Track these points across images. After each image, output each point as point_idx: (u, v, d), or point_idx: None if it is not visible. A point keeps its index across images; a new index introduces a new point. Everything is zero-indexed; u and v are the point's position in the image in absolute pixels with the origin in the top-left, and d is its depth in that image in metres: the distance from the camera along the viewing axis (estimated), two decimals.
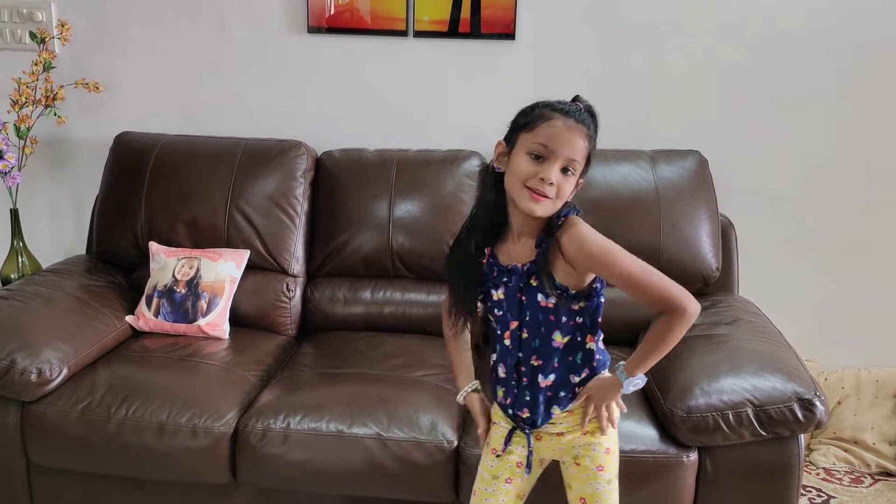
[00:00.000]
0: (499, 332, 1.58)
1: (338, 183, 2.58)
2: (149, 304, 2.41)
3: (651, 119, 2.68)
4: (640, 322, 2.34)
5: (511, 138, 1.50)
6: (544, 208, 1.46)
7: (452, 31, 2.68)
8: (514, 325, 1.55)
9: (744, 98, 2.66)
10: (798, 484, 1.93)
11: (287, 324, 2.54)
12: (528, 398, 1.57)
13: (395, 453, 1.93)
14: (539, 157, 1.45)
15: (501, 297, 1.56)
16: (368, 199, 2.53)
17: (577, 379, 1.56)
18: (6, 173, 2.63)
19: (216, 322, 2.39)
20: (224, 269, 2.45)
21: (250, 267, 2.51)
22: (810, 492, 2.51)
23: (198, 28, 2.79)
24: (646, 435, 1.93)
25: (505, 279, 1.54)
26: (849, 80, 2.62)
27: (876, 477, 2.62)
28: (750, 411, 1.87)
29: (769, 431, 1.87)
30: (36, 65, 2.66)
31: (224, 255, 2.47)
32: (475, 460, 1.73)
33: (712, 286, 2.49)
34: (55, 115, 2.70)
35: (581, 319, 1.53)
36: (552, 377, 1.55)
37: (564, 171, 1.46)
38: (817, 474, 2.62)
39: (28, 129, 2.67)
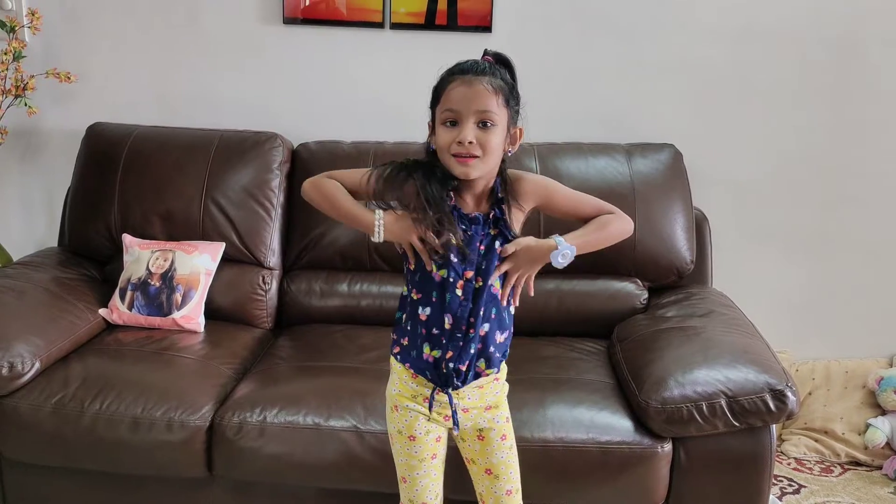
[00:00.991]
0: (451, 281, 1.54)
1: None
2: (122, 297, 2.39)
3: (626, 113, 2.70)
4: (615, 316, 2.38)
5: (432, 116, 1.55)
6: (476, 169, 1.49)
7: (429, 23, 2.67)
8: (468, 274, 1.55)
9: (717, 92, 2.69)
10: (770, 473, 1.96)
11: (263, 317, 2.53)
12: (472, 350, 1.56)
13: (373, 446, 1.93)
14: (454, 123, 1.49)
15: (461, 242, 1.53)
16: None
17: (500, 338, 1.59)
18: None
19: (191, 315, 2.38)
20: (199, 262, 2.43)
21: (226, 259, 2.49)
22: (781, 481, 2.54)
23: (172, 17, 2.75)
24: (620, 426, 1.94)
25: (464, 227, 1.54)
26: (818, 74, 2.65)
27: (845, 466, 2.66)
28: (723, 402, 1.89)
29: (742, 422, 1.90)
30: (5, 54, 2.61)
31: (199, 248, 2.45)
32: (454, 451, 1.71)
33: (686, 278, 2.52)
34: (26, 105, 2.66)
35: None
36: (486, 326, 1.57)
37: (484, 126, 1.48)
38: (788, 464, 2.66)
39: None
